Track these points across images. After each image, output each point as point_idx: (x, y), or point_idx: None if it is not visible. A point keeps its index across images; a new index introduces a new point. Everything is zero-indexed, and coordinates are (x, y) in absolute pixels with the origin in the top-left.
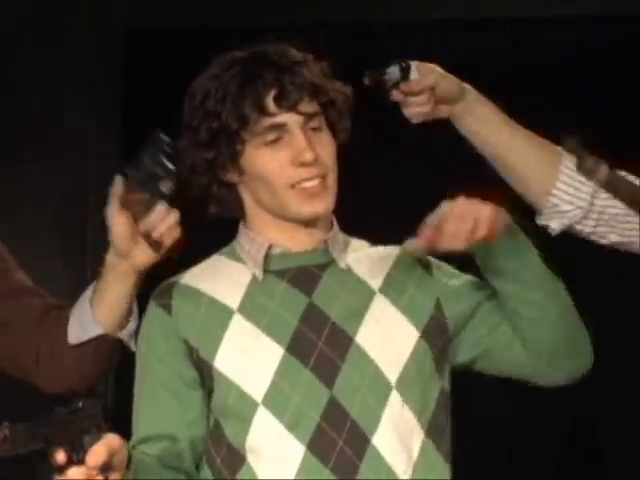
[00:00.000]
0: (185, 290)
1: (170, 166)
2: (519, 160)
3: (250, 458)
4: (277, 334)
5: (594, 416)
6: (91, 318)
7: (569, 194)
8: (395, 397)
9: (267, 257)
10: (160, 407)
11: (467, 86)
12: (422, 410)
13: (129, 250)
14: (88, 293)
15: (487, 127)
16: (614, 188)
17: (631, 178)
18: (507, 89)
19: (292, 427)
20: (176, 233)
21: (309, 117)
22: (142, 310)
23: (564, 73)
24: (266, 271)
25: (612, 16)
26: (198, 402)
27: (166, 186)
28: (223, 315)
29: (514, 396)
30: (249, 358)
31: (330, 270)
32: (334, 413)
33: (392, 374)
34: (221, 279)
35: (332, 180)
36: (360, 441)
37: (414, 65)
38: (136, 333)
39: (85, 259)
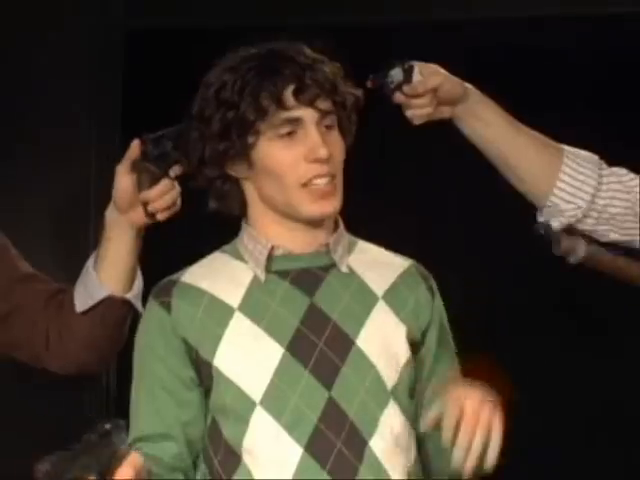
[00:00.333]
0: (185, 288)
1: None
2: (521, 159)
3: (247, 458)
4: (277, 334)
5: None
6: (96, 282)
7: (570, 193)
8: (392, 403)
9: (270, 258)
10: (158, 407)
11: (469, 86)
12: (414, 418)
13: (127, 208)
14: (90, 262)
15: (489, 127)
16: (593, 263)
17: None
18: (512, 89)
19: (290, 428)
20: (170, 212)
21: (324, 114)
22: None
23: (573, 72)
24: (268, 271)
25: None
26: (196, 402)
27: (174, 170)
28: (223, 313)
29: None
30: (249, 357)
31: (333, 272)
32: (332, 415)
33: (390, 380)
34: (222, 277)
35: (340, 181)
36: (358, 444)
37: (416, 67)
38: (144, 297)
39: (87, 258)
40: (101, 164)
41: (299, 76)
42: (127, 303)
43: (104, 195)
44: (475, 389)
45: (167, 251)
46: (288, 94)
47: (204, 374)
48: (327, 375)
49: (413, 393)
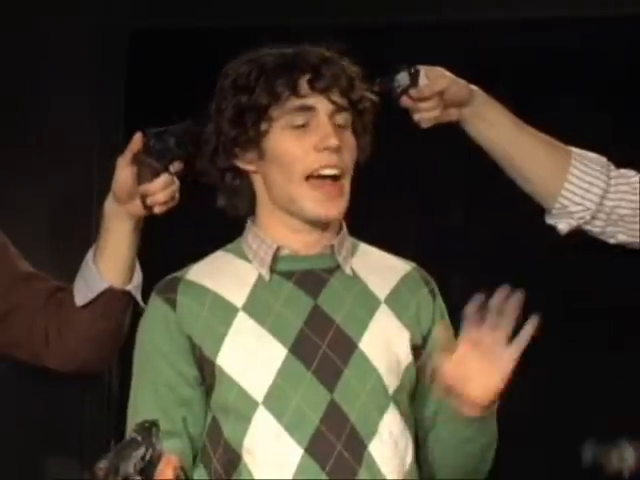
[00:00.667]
0: (190, 286)
1: (188, 152)
2: (528, 161)
3: (247, 458)
4: (281, 334)
5: None
6: (96, 275)
7: (578, 195)
8: (393, 407)
9: (274, 258)
10: (161, 403)
11: (475, 88)
12: (411, 423)
13: (126, 199)
14: (90, 255)
15: (494, 127)
16: None
17: None
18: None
19: (291, 428)
20: (168, 206)
21: (338, 108)
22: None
23: (579, 73)
24: (272, 272)
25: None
26: (198, 400)
27: (175, 167)
28: (228, 312)
29: None
30: (252, 357)
31: (337, 274)
32: (334, 417)
33: (391, 384)
34: (227, 276)
35: (347, 185)
36: (358, 447)
37: (423, 70)
38: (145, 297)
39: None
40: (104, 164)
41: (315, 66)
42: (127, 294)
43: (106, 196)
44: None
45: (167, 251)
46: (303, 82)
47: (207, 372)
48: (329, 377)
49: (413, 397)
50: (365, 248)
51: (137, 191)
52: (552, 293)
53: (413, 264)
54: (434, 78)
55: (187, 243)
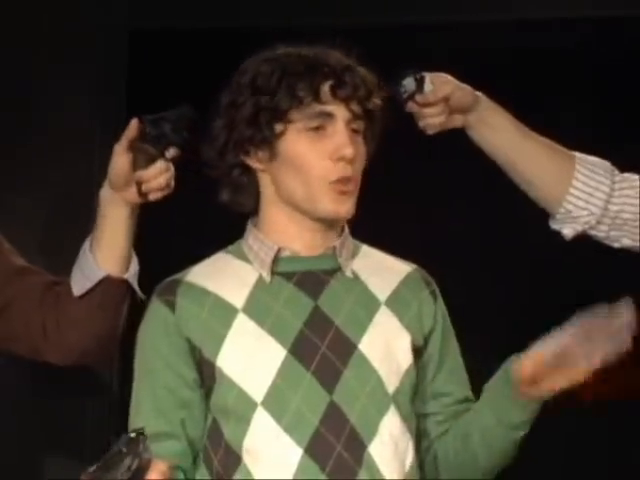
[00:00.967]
0: (190, 288)
1: (184, 138)
2: (532, 166)
3: (247, 459)
4: (280, 335)
5: None
6: (93, 264)
7: (582, 200)
8: (393, 408)
9: (275, 259)
10: (161, 406)
11: (479, 94)
12: (412, 425)
13: (122, 186)
14: (86, 245)
15: (497, 132)
16: None
17: None
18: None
19: (290, 429)
20: (164, 193)
21: (355, 117)
22: (144, 307)
23: (579, 74)
24: (273, 273)
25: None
26: (197, 402)
27: (170, 153)
28: (227, 314)
29: None
30: (251, 358)
31: (338, 276)
32: (333, 418)
33: (391, 386)
34: (226, 278)
35: (356, 188)
36: (357, 448)
37: (428, 76)
38: (144, 292)
39: None
40: (104, 165)
41: (338, 74)
42: (125, 283)
43: None
44: None
45: (167, 251)
46: (325, 88)
47: (206, 374)
48: (329, 378)
49: (414, 398)
50: (367, 250)
51: (133, 178)
52: (552, 293)
53: (414, 265)
54: (439, 84)
55: (187, 243)
